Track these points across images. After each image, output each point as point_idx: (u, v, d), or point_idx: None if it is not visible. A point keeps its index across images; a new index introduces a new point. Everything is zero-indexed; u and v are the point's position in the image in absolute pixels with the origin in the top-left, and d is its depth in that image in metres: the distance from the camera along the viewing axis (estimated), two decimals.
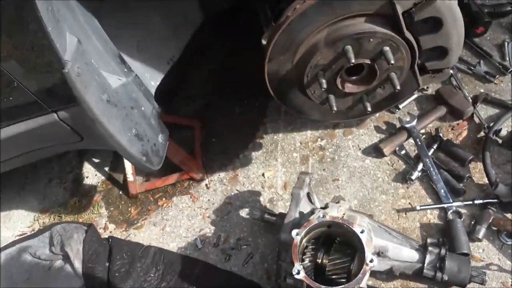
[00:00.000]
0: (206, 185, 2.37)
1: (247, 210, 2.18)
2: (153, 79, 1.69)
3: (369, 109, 1.69)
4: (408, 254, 1.60)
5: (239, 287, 1.87)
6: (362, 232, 1.38)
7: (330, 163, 2.18)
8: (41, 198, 2.79)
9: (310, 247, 1.55)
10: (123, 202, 2.53)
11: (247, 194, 2.25)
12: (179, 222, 2.29)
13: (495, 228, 1.71)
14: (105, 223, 2.46)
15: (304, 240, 1.47)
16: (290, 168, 2.25)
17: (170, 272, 2.09)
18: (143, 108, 1.50)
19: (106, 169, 2.77)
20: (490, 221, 1.69)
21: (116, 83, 1.33)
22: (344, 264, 1.53)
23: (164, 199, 2.42)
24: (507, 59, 2.15)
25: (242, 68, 2.81)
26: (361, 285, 1.31)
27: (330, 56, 1.59)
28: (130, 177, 2.41)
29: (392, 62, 1.52)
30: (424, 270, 1.57)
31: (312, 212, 1.63)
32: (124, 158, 1.62)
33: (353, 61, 1.52)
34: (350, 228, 1.39)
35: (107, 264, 2.14)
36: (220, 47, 2.86)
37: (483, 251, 1.69)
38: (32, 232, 2.55)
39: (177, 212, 2.33)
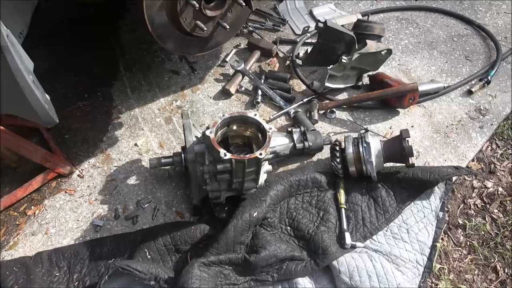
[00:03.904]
0: (79, 175, 2.28)
1: (134, 177, 2.25)
2: None
3: (227, 26, 2.13)
4: (282, 140, 2.11)
5: (155, 236, 1.92)
6: (255, 115, 1.79)
7: (191, 115, 2.49)
8: None
9: None
10: None
11: (127, 165, 2.30)
12: (64, 218, 2.12)
13: (322, 112, 2.42)
14: None
15: None
16: (158, 131, 2.44)
17: (77, 262, 1.94)
18: (26, 62, 1.48)
19: None
20: (317, 107, 2.40)
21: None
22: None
23: (33, 207, 2.18)
24: (282, 15, 3.02)
25: (72, 70, 2.79)
26: (269, 147, 1.71)
27: None
28: None
29: None
30: (296, 145, 2.10)
31: (203, 134, 1.93)
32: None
33: None
34: (245, 115, 1.78)
35: None
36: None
37: (321, 128, 2.37)
38: None
39: (56, 211, 2.15)
